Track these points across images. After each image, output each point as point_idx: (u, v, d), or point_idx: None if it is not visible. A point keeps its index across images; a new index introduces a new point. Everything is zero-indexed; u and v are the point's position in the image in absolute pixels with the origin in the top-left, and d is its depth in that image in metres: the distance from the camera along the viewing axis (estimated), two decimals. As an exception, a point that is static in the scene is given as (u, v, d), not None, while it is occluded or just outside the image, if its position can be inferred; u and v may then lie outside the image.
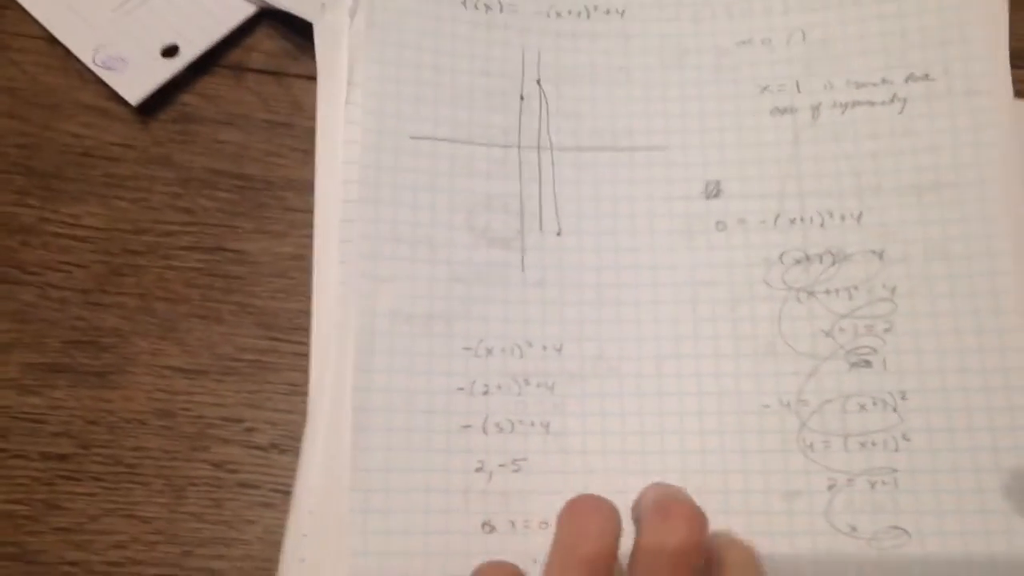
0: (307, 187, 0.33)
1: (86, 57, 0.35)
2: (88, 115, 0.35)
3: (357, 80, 0.33)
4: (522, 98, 0.33)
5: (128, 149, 0.34)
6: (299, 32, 0.35)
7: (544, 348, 0.31)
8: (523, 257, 0.32)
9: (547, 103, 0.33)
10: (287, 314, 0.32)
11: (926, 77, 0.33)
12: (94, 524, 0.30)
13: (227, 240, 0.33)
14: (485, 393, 0.30)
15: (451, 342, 0.31)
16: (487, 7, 0.34)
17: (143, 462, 0.31)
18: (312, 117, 0.33)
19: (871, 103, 0.33)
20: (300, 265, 0.33)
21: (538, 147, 0.33)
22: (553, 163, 0.33)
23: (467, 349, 0.31)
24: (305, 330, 0.31)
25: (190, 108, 0.35)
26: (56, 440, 0.31)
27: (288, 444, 0.31)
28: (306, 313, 0.31)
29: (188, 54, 0.35)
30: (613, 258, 0.32)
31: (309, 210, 0.32)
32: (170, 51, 0.35)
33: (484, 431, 0.30)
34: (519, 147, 0.33)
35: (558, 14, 0.34)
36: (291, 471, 0.30)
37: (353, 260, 0.31)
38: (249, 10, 0.35)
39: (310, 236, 0.32)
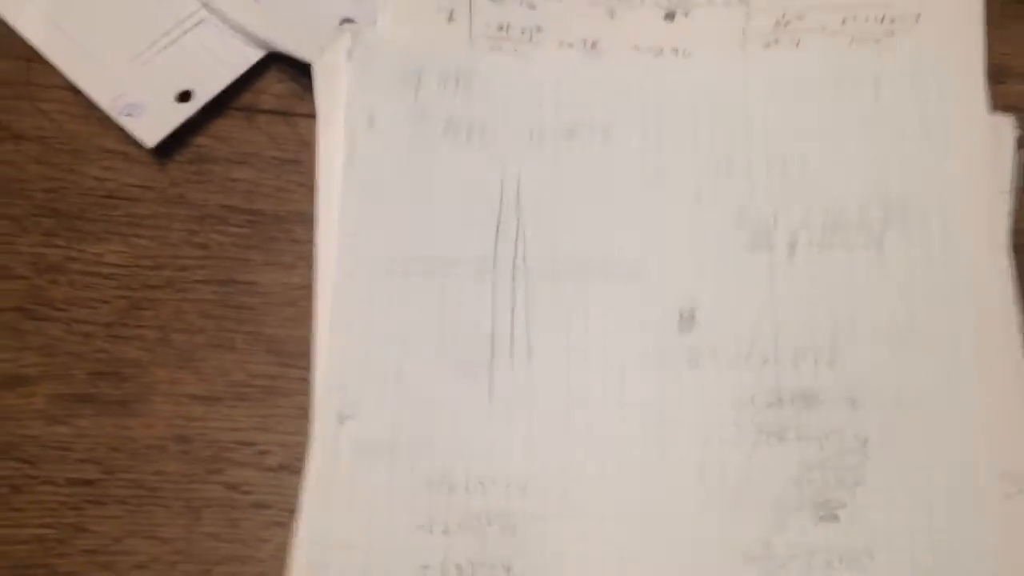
0: (313, 220, 0.34)
1: (106, 104, 0.37)
2: (109, 159, 0.37)
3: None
4: (499, 224, 0.33)
5: (147, 190, 0.36)
6: (305, 74, 0.37)
7: (508, 486, 0.31)
8: (491, 387, 0.32)
9: (524, 228, 0.33)
10: (295, 341, 0.34)
11: (902, 220, 0.33)
12: (118, 545, 0.32)
13: (239, 272, 0.35)
14: (445, 532, 0.30)
15: (413, 477, 0.31)
16: (468, 134, 0.34)
17: (163, 485, 0.32)
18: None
19: (847, 245, 0.33)
20: (309, 294, 0.34)
21: (512, 274, 0.33)
22: (527, 290, 0.33)
23: (429, 484, 0.31)
24: (311, 357, 0.33)
25: (204, 149, 0.37)
26: (82, 466, 0.33)
27: (297, 465, 0.32)
28: (312, 341, 0.33)
29: (201, 98, 0.37)
30: (582, 391, 0.32)
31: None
32: (184, 96, 0.37)
33: (442, 572, 0.30)
34: (493, 273, 0.33)
35: (541, 136, 0.34)
36: (301, 489, 0.31)
37: (320, 392, 0.31)
38: (258, 55, 0.37)
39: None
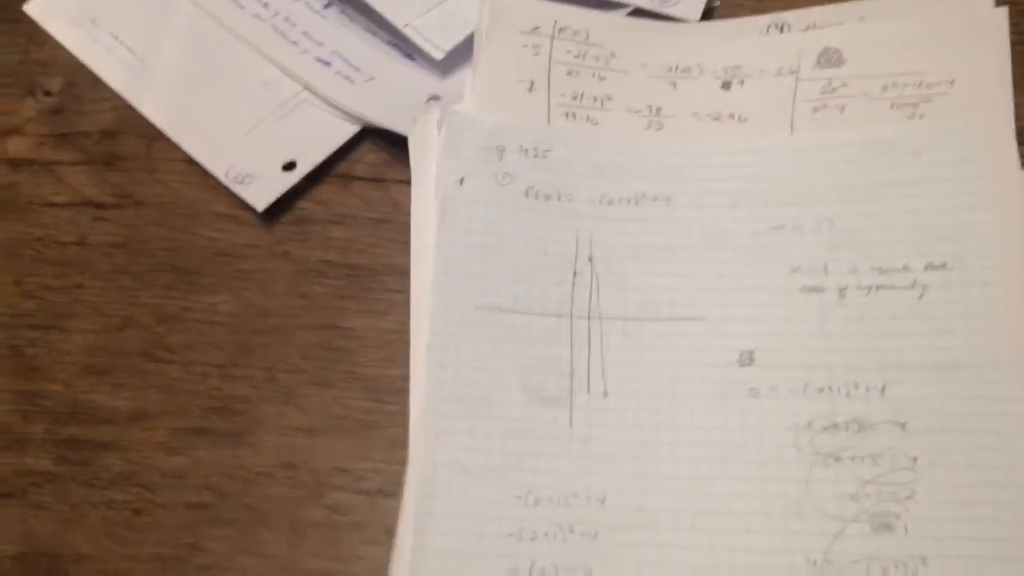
0: (404, 272, 0.38)
1: (220, 174, 0.42)
2: (222, 222, 0.41)
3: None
4: (575, 274, 0.37)
5: (255, 248, 0.41)
6: (396, 145, 0.41)
7: (588, 499, 0.33)
8: (571, 415, 0.35)
9: (598, 278, 0.37)
10: (388, 379, 0.37)
11: (944, 267, 0.35)
12: (229, 563, 0.35)
13: (337, 319, 0.39)
14: (532, 539, 0.33)
15: (503, 492, 0.34)
16: (546, 197, 0.38)
17: (270, 509, 0.36)
18: (407, 213, 0.39)
19: (893, 287, 0.35)
20: (400, 338, 0.38)
21: (588, 317, 0.36)
22: (602, 331, 0.36)
23: (518, 498, 0.34)
24: (404, 391, 0.36)
25: (306, 211, 0.41)
26: (197, 492, 0.36)
27: (391, 489, 0.35)
28: (404, 378, 0.37)
29: (304, 167, 0.41)
30: (654, 419, 0.35)
31: (406, 291, 0.38)
32: (289, 166, 0.41)
33: (530, 575, 0.33)
34: (571, 317, 0.36)
35: (610, 202, 0.38)
36: (395, 512, 0.34)
37: (417, 415, 0.35)
38: (354, 128, 0.42)
39: (407, 313, 0.37)
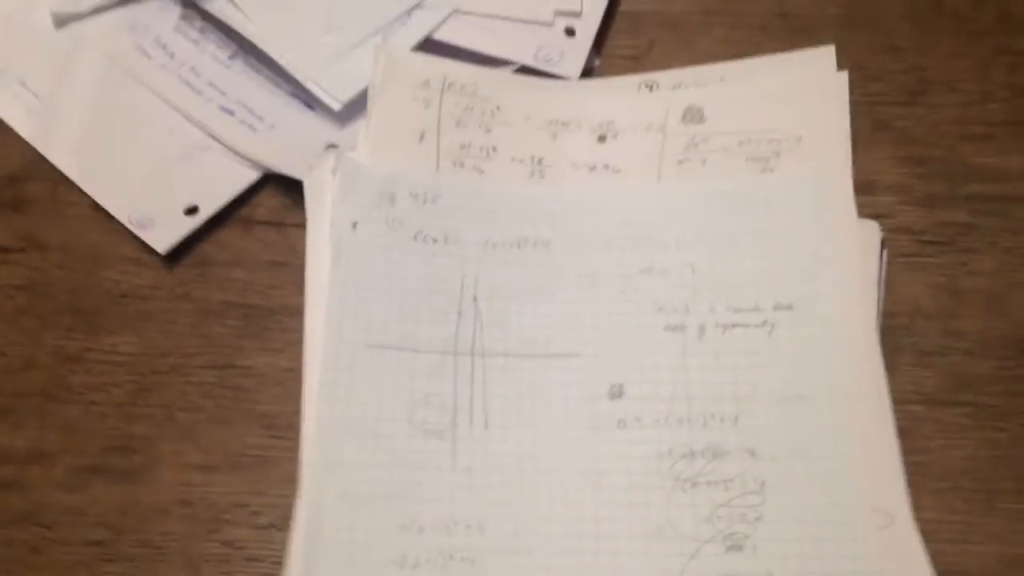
0: (300, 312, 0.40)
1: (123, 218, 0.43)
2: (125, 264, 0.43)
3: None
4: (459, 313, 0.39)
5: (156, 290, 0.42)
6: (296, 190, 0.43)
7: (468, 527, 0.35)
8: (454, 446, 0.37)
9: (481, 317, 0.39)
10: (285, 415, 0.39)
11: (790, 307, 0.38)
12: (125, 597, 0.36)
13: (236, 358, 0.41)
14: (415, 566, 0.35)
15: (389, 520, 0.35)
16: (434, 240, 0.41)
17: (167, 544, 0.37)
18: (303, 255, 0.41)
19: (746, 325, 0.38)
20: (296, 375, 0.39)
21: (471, 353, 0.39)
22: (484, 367, 0.38)
23: (402, 527, 0.35)
24: (299, 427, 0.38)
25: (207, 254, 0.43)
26: (95, 529, 0.37)
27: (285, 523, 0.36)
28: (300, 414, 0.38)
29: (206, 212, 0.43)
30: (531, 449, 0.37)
31: (302, 330, 0.40)
32: (191, 210, 0.43)
33: None
34: (455, 353, 0.39)
35: (494, 245, 0.41)
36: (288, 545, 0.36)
37: (309, 449, 0.36)
38: (256, 174, 0.44)
39: (302, 352, 0.39)
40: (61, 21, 0.47)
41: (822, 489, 0.35)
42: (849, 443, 0.36)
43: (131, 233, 0.43)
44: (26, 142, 0.45)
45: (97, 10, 0.47)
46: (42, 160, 0.45)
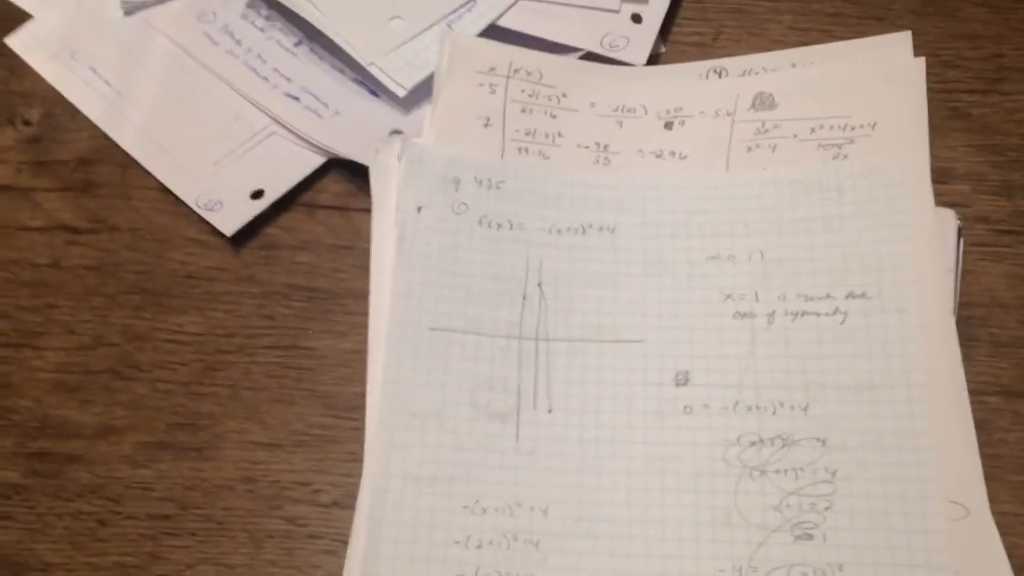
0: (364, 295, 0.40)
1: (191, 201, 0.44)
2: (191, 246, 0.43)
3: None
4: (524, 298, 0.39)
5: (223, 271, 0.43)
6: (359, 175, 0.44)
7: (531, 509, 0.35)
8: (517, 430, 0.37)
9: (545, 302, 0.39)
10: (347, 396, 0.39)
11: (864, 296, 0.38)
12: (189, 571, 0.37)
13: (300, 339, 0.41)
14: (478, 547, 0.35)
15: (451, 501, 0.36)
16: (499, 226, 0.40)
17: (230, 520, 0.37)
18: (368, 240, 0.41)
19: (817, 314, 0.38)
20: (358, 357, 0.40)
21: (536, 338, 0.39)
22: (548, 352, 0.38)
23: (465, 508, 0.35)
24: (362, 408, 0.38)
25: (272, 237, 0.43)
26: (161, 503, 0.38)
27: (347, 502, 0.37)
28: (362, 395, 0.38)
29: (271, 196, 0.43)
30: (594, 434, 0.37)
31: (365, 313, 0.40)
32: (257, 194, 0.44)
33: None
34: (520, 338, 0.39)
35: (559, 231, 0.41)
36: (349, 523, 0.36)
37: (372, 430, 0.37)
38: (320, 159, 0.44)
39: (366, 334, 0.40)
40: (131, 9, 0.48)
41: (895, 480, 0.35)
42: (924, 434, 0.35)
43: (198, 216, 0.43)
44: (96, 126, 0.46)
45: (167, -2, 0.48)
46: (112, 144, 0.45)
